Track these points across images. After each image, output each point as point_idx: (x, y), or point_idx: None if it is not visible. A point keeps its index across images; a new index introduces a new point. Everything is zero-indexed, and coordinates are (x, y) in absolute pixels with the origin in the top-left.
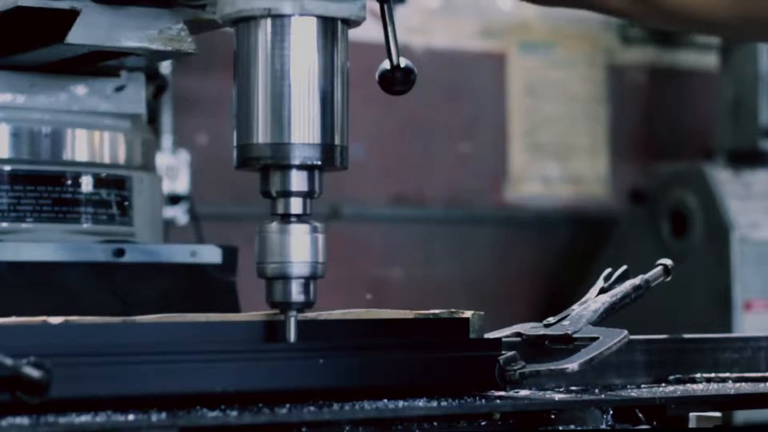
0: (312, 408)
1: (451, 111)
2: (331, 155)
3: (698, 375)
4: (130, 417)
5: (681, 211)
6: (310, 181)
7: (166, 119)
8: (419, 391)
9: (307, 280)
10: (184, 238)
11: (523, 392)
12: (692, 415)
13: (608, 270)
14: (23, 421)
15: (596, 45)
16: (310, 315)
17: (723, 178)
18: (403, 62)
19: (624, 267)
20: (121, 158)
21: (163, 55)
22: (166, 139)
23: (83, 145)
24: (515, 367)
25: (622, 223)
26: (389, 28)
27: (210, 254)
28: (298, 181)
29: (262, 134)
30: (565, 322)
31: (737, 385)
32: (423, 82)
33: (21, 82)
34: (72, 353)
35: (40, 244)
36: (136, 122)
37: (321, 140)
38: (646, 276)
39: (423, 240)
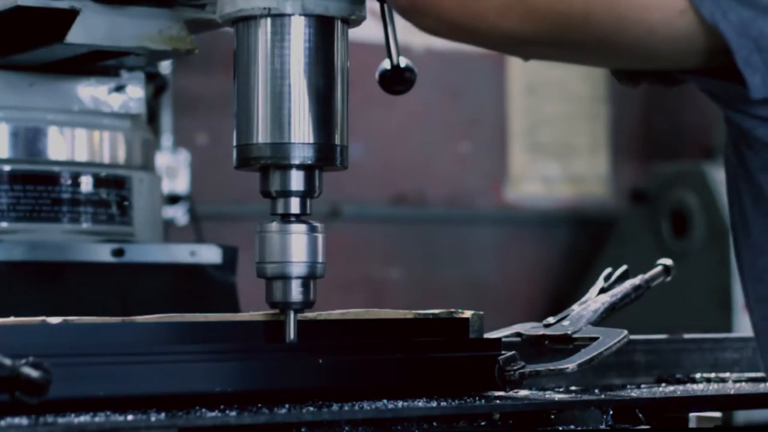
0: (311, 408)
1: (451, 111)
2: (330, 155)
3: (698, 375)
4: (129, 417)
5: (681, 211)
6: (310, 180)
7: (166, 119)
8: (419, 391)
9: (307, 280)
10: (184, 238)
11: (523, 392)
12: (692, 415)
13: (608, 270)
14: (22, 421)
15: None
16: (310, 315)
17: (723, 178)
18: (403, 62)
19: (624, 267)
20: (121, 158)
21: (163, 55)
22: (166, 139)
23: (83, 145)
24: (515, 367)
25: (622, 223)
26: (389, 28)
27: (210, 254)
28: (297, 180)
29: (261, 134)
30: (565, 322)
31: (737, 385)
32: (423, 82)
33: (21, 81)
34: (71, 353)
35: (39, 244)
36: (136, 122)
37: (321, 140)
38: (646, 276)
39: (423, 240)
